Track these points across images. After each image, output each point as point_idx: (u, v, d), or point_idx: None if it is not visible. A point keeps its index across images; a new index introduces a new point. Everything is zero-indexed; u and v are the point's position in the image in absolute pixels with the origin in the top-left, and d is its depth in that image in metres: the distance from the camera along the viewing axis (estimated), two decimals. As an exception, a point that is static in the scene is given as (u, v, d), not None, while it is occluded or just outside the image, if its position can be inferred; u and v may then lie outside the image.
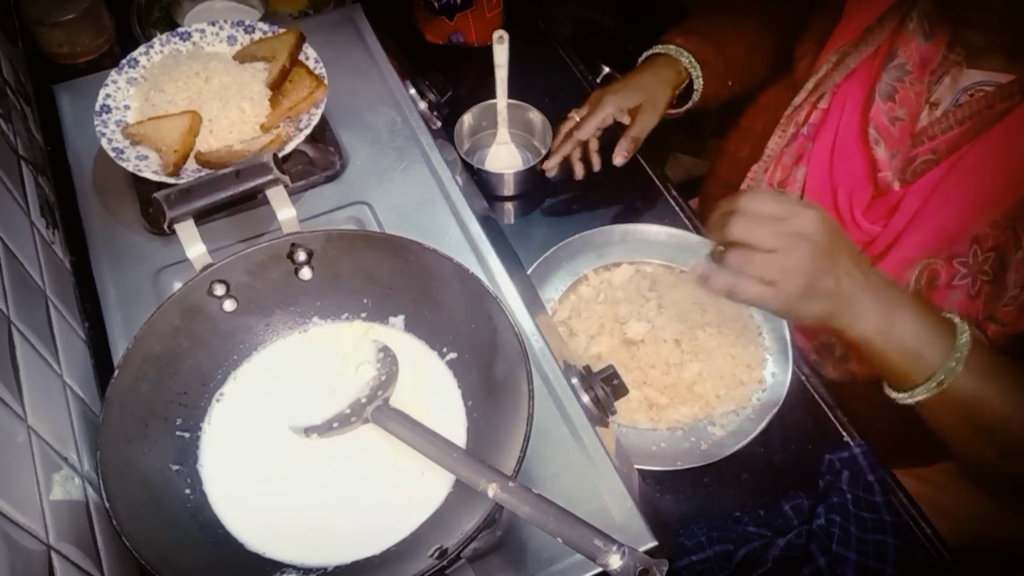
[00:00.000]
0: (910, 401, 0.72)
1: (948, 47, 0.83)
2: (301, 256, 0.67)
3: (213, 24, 0.89)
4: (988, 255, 0.80)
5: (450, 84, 0.99)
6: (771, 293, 0.68)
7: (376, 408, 0.63)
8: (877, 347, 0.70)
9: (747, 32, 1.10)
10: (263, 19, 1.05)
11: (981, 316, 0.81)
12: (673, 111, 1.08)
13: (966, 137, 0.81)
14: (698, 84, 1.06)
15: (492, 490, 0.51)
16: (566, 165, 1.07)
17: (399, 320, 0.70)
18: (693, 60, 1.05)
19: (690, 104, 1.08)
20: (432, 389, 0.67)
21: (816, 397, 0.90)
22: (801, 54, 0.98)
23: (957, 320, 0.71)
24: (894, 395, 0.74)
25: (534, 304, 0.79)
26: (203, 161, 0.80)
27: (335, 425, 0.64)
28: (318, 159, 0.86)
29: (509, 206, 1.10)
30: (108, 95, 0.83)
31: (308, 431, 0.64)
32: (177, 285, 0.66)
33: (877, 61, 0.87)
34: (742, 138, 1.06)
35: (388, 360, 0.66)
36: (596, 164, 1.06)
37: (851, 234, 0.91)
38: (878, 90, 0.85)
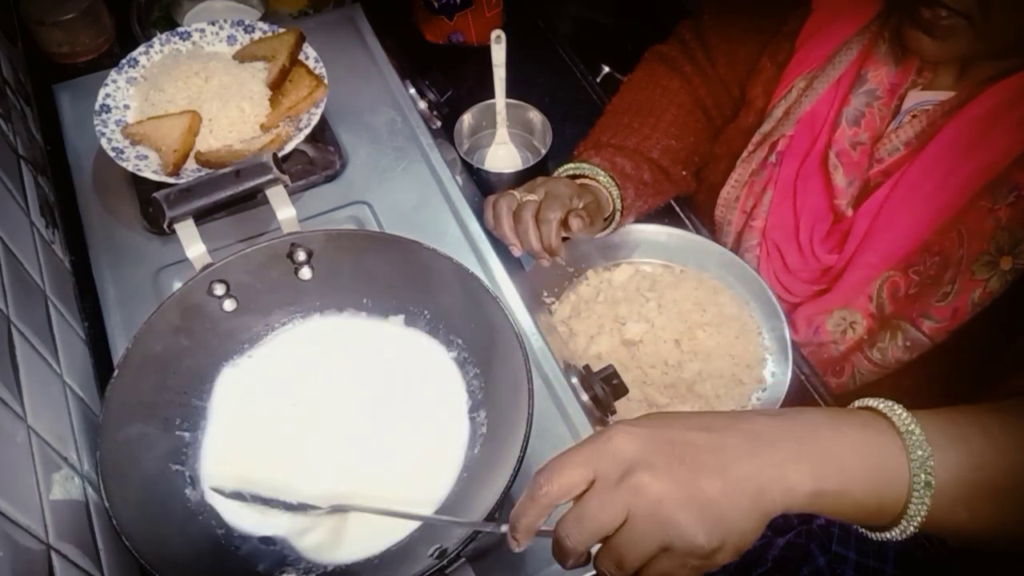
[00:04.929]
0: (917, 521, 0.49)
1: (917, 71, 0.84)
2: (301, 256, 0.67)
3: (213, 24, 0.89)
4: (934, 259, 0.81)
5: (450, 84, 0.99)
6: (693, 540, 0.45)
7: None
8: (834, 483, 0.48)
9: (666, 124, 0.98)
10: (263, 19, 1.05)
11: (915, 314, 0.82)
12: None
13: (911, 156, 0.83)
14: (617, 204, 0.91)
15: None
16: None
17: (399, 319, 0.70)
18: (611, 180, 0.90)
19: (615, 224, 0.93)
20: (436, 382, 0.67)
21: (816, 397, 0.90)
22: (754, 95, 0.97)
23: (870, 402, 0.52)
24: (892, 532, 0.50)
25: (534, 304, 0.79)
26: (203, 161, 0.80)
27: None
28: (318, 159, 0.86)
29: (509, 206, 1.10)
30: (108, 95, 0.83)
31: None
32: (177, 285, 0.66)
33: (843, 85, 0.87)
34: (713, 165, 1.05)
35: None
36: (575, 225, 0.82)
37: (809, 266, 0.92)
38: (845, 115, 0.86)
